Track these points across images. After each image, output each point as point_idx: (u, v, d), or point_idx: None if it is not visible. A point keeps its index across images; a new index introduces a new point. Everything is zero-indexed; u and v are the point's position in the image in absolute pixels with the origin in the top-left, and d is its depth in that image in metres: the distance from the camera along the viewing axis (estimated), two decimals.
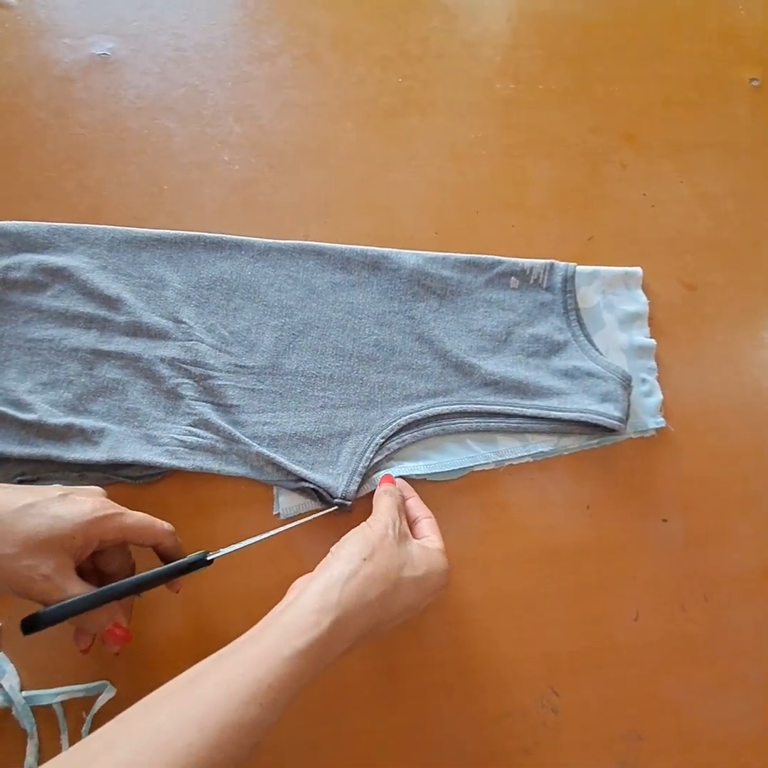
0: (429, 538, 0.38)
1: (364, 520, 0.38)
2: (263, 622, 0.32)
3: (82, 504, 0.34)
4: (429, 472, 0.44)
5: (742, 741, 0.44)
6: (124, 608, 0.36)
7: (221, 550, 0.38)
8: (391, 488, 0.40)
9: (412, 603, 0.35)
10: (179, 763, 0.25)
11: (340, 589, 0.31)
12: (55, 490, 0.34)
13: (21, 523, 0.32)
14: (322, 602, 0.31)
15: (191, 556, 0.37)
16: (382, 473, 0.43)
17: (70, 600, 0.32)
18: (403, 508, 0.39)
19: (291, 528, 0.40)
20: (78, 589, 0.33)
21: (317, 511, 0.42)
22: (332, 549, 0.35)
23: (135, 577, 0.35)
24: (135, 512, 0.37)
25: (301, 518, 0.42)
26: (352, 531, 0.36)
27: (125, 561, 0.38)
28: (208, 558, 0.37)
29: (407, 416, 0.44)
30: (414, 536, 0.38)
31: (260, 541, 0.39)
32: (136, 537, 0.36)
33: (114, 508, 0.35)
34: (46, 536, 0.32)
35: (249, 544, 0.38)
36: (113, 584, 0.34)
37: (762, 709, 0.45)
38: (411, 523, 0.40)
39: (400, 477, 0.43)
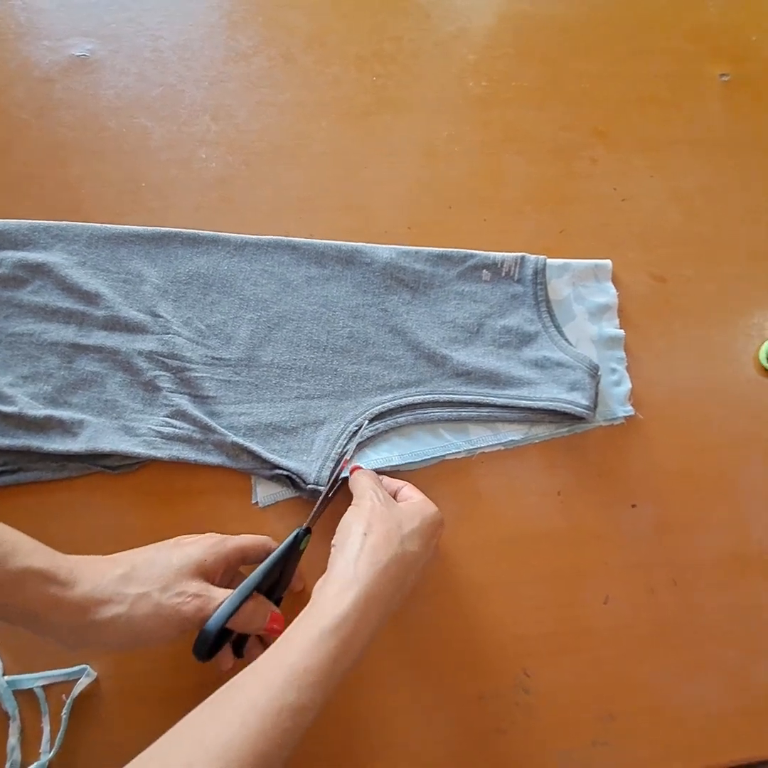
0: (411, 497, 0.40)
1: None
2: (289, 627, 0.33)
3: (201, 538, 0.38)
4: (402, 462, 0.45)
5: (710, 721, 0.45)
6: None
7: (309, 517, 0.40)
8: (362, 471, 0.42)
9: (420, 551, 0.37)
10: (230, 757, 0.26)
11: (353, 567, 0.33)
12: (165, 542, 0.37)
13: (154, 563, 0.35)
14: (339, 583, 0.32)
15: (295, 532, 0.39)
16: (350, 465, 0.43)
17: (225, 600, 0.35)
18: (379, 482, 0.41)
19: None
20: (224, 595, 0.35)
21: (294, 498, 0.44)
22: (333, 543, 0.36)
23: (265, 562, 0.37)
24: (238, 535, 0.39)
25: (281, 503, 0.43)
26: (343, 518, 0.37)
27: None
28: (306, 526, 0.39)
29: (380, 406, 0.45)
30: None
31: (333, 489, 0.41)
32: (254, 553, 0.39)
33: (223, 535, 0.38)
34: (181, 565, 0.35)
35: (325, 498, 0.40)
36: (253, 573, 0.36)
37: (729, 690, 0.46)
38: (392, 495, 0.41)
39: (373, 470, 0.44)
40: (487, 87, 0.56)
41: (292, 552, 0.39)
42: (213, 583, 0.36)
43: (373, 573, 0.33)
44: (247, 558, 0.39)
